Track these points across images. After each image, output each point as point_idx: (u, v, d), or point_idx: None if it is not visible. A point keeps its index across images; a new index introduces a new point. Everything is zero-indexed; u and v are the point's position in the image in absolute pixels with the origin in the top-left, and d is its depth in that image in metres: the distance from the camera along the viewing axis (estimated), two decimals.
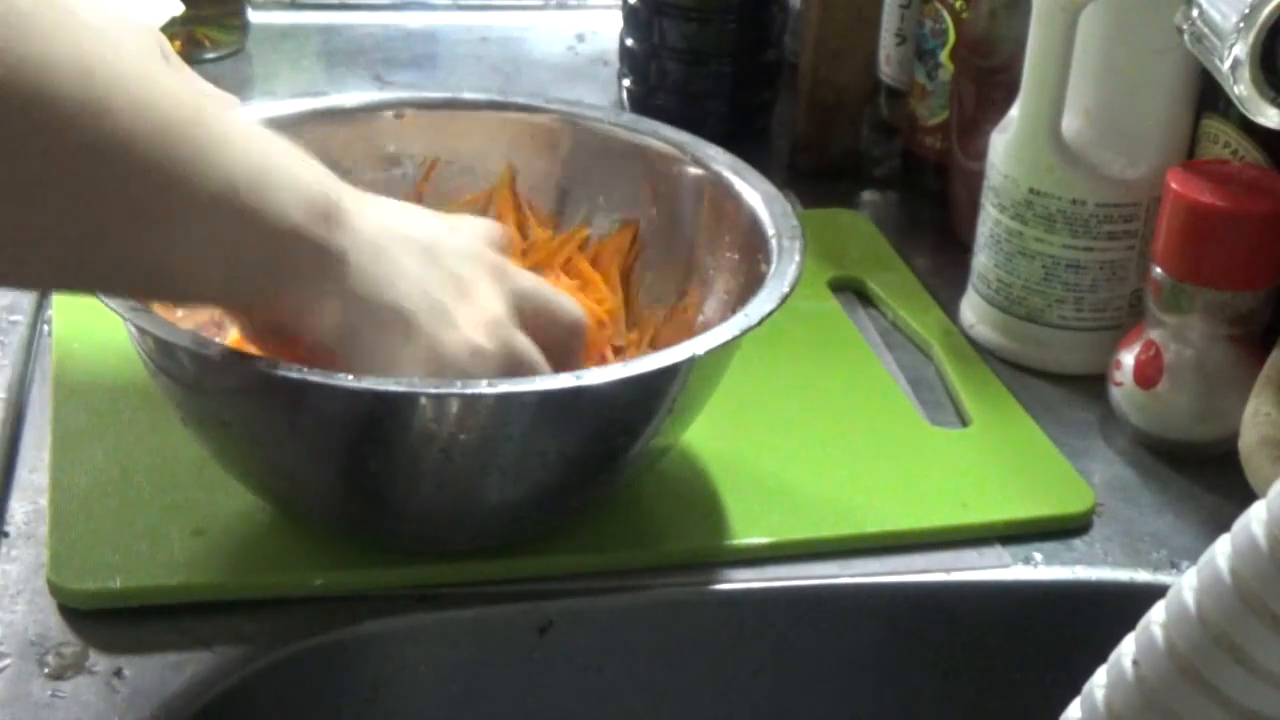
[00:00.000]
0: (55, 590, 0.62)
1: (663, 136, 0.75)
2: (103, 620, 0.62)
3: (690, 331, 0.66)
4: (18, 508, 0.67)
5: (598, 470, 0.64)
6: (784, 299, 0.63)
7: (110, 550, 0.64)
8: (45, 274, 0.53)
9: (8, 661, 0.60)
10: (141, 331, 0.60)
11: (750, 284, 0.66)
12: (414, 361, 0.58)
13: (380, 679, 0.64)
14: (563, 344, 0.64)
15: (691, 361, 0.61)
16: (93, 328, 0.76)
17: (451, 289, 0.60)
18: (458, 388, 0.58)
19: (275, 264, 0.56)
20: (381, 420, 0.59)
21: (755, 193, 0.70)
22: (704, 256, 0.72)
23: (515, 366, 0.61)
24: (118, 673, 0.60)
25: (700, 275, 0.72)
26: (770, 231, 0.68)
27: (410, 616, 0.63)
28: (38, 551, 0.64)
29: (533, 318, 0.63)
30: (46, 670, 0.60)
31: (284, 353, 0.59)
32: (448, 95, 0.78)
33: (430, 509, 0.63)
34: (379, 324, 0.58)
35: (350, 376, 0.57)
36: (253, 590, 0.63)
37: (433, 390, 0.58)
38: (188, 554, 0.64)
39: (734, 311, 0.63)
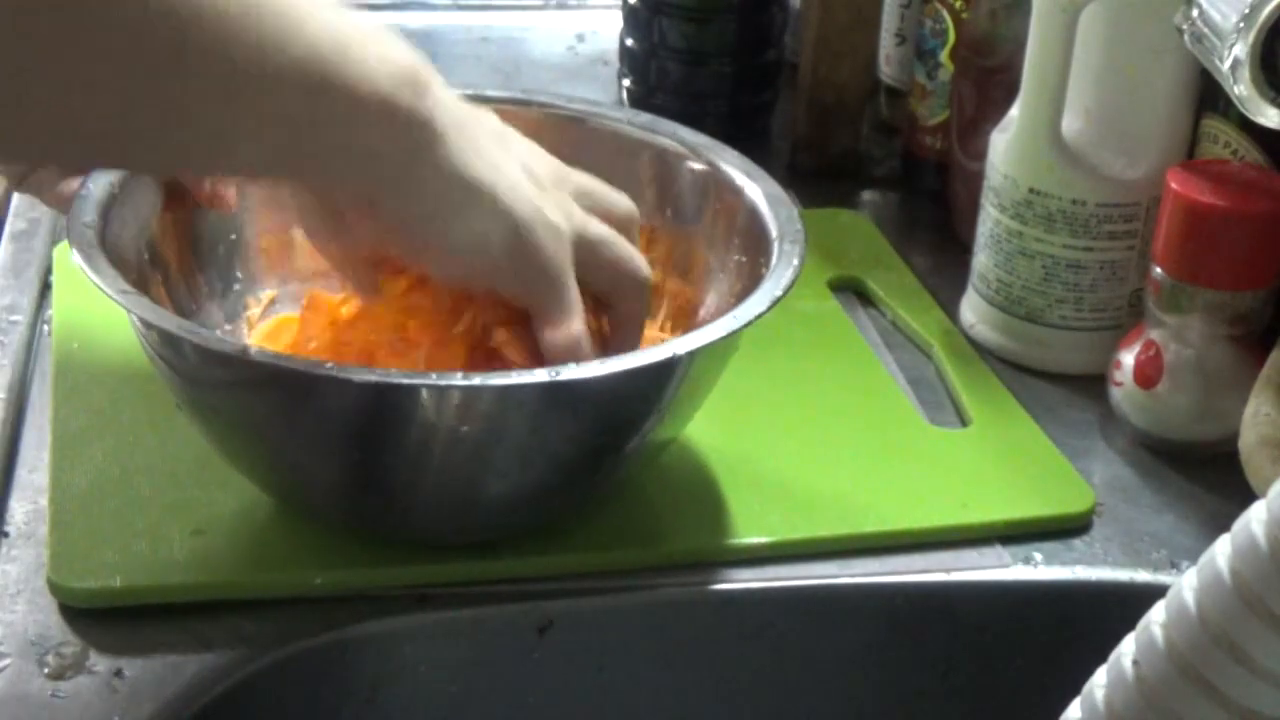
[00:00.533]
0: (55, 590, 0.62)
1: (679, 138, 0.75)
2: (103, 620, 0.62)
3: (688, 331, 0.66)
4: (18, 508, 0.67)
5: (594, 464, 0.64)
6: (775, 302, 0.63)
7: (110, 550, 0.64)
8: (136, 151, 0.54)
9: (8, 661, 0.60)
10: (146, 325, 0.60)
11: (754, 286, 0.66)
12: (498, 234, 0.59)
13: (380, 679, 0.64)
14: (622, 231, 0.65)
15: (675, 361, 0.61)
16: (93, 328, 0.76)
17: (523, 171, 0.62)
18: (458, 380, 0.58)
19: (364, 134, 0.56)
20: (381, 412, 0.59)
21: (763, 196, 0.71)
22: (711, 258, 0.73)
23: (594, 244, 0.63)
24: (118, 673, 0.60)
25: (709, 276, 0.73)
26: (774, 234, 0.68)
27: (410, 616, 0.63)
28: (38, 551, 0.64)
29: (591, 209, 0.65)
30: (46, 670, 0.60)
31: (341, 244, 0.60)
32: (470, 92, 0.78)
33: (429, 501, 0.63)
34: (465, 197, 0.59)
35: (351, 369, 0.58)
36: (253, 590, 0.63)
37: (432, 382, 0.58)
38: (188, 554, 0.64)
39: None
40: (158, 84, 0.50)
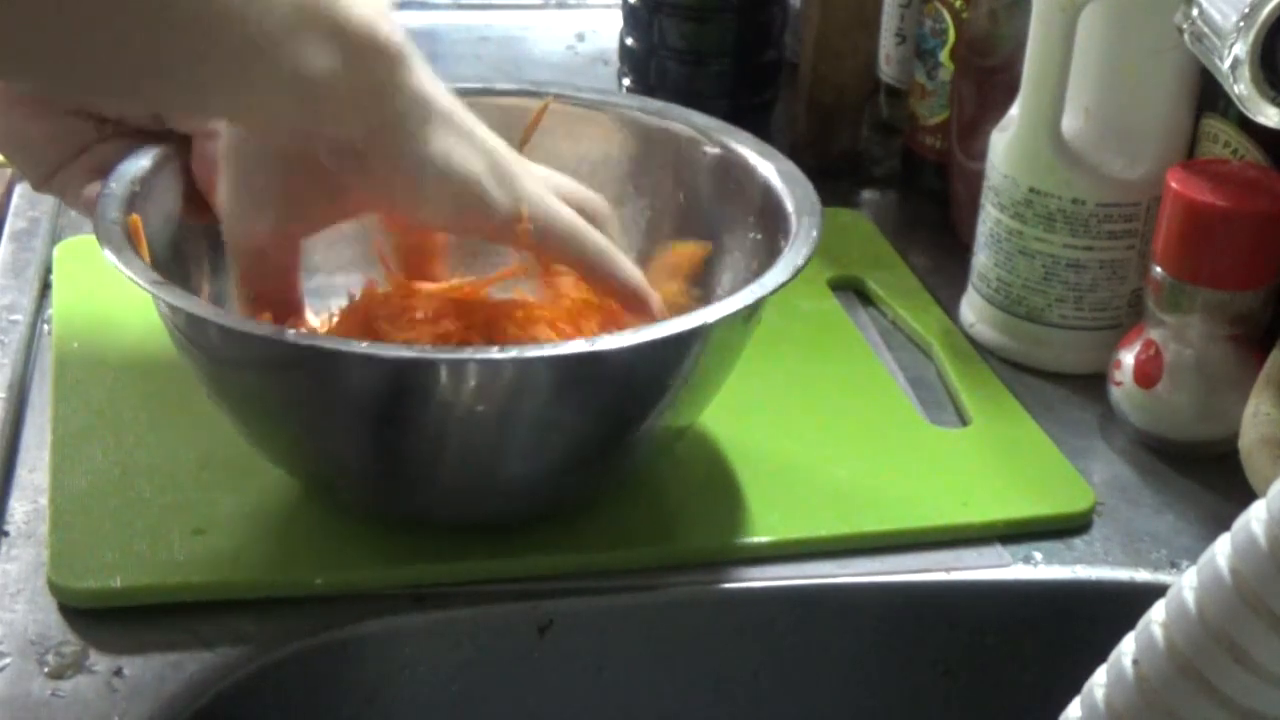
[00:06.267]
0: (55, 590, 0.62)
1: (690, 123, 0.76)
2: (103, 620, 0.62)
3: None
4: (18, 508, 0.67)
5: (613, 443, 0.64)
6: (797, 271, 0.64)
7: (110, 550, 0.64)
8: (130, 90, 0.55)
9: (8, 661, 0.60)
10: (172, 308, 0.60)
11: (770, 262, 0.66)
12: (479, 161, 0.61)
13: (380, 679, 0.64)
14: (595, 219, 0.67)
15: (704, 329, 0.61)
16: (93, 328, 0.76)
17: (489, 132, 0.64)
18: (474, 355, 0.59)
19: (349, 58, 0.57)
20: (402, 390, 0.60)
21: (777, 173, 0.71)
22: (727, 238, 0.73)
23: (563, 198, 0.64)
24: (118, 672, 0.60)
25: (726, 256, 0.73)
26: (790, 209, 0.68)
27: (410, 616, 0.63)
28: (38, 551, 0.64)
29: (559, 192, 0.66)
30: (46, 670, 0.60)
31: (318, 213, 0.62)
32: (480, 85, 0.78)
33: (449, 482, 0.64)
34: (445, 121, 0.60)
35: (370, 344, 0.58)
36: (253, 590, 0.63)
37: (451, 357, 0.59)
38: (188, 554, 0.64)
39: None
40: (139, 14, 0.50)
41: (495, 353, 0.59)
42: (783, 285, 0.63)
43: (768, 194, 0.71)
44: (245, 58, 0.54)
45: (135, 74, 0.53)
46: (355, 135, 0.59)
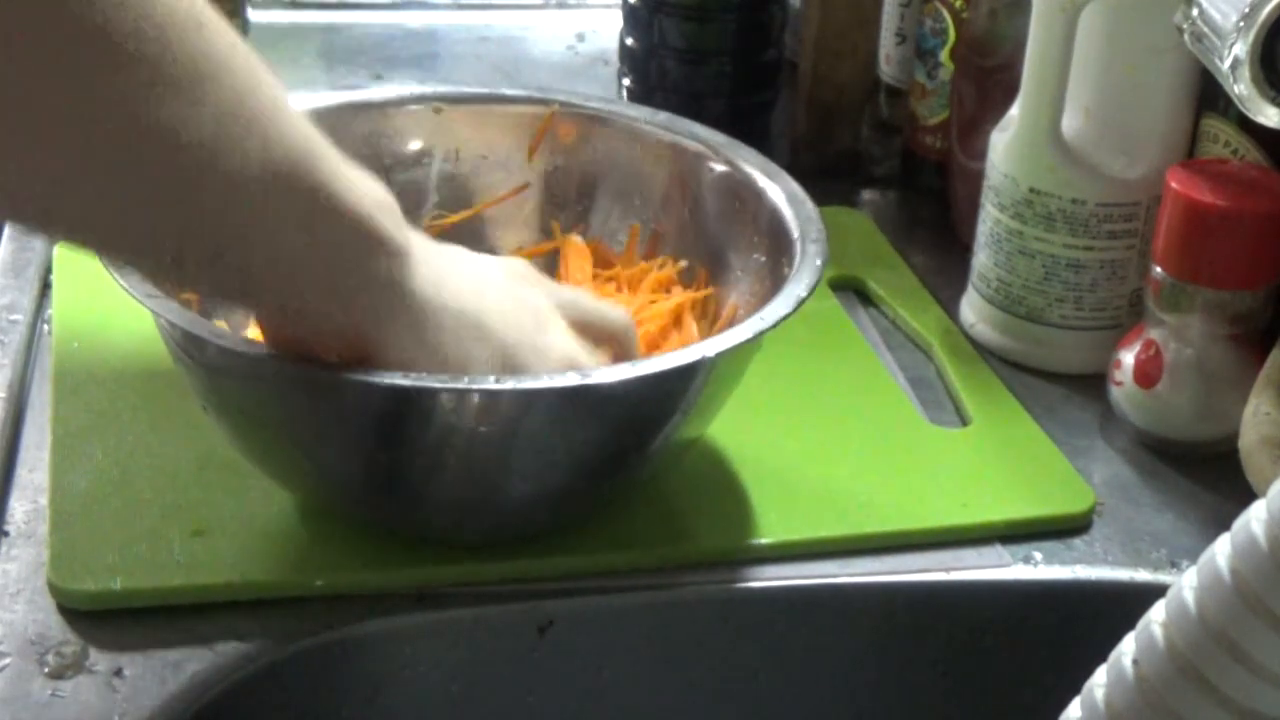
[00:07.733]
0: (55, 592, 0.62)
1: (697, 137, 0.76)
2: (102, 620, 0.62)
3: (716, 332, 0.66)
4: (18, 508, 0.67)
5: (621, 464, 0.64)
6: (800, 303, 0.64)
7: (110, 550, 0.64)
8: (129, 250, 0.53)
9: (8, 661, 0.60)
10: (171, 324, 0.60)
11: (776, 286, 0.66)
12: (483, 358, 0.59)
13: (380, 679, 0.64)
14: (616, 344, 0.65)
15: (704, 363, 0.61)
16: (93, 328, 0.76)
17: (507, 296, 0.61)
18: (474, 384, 0.58)
19: (346, 257, 0.54)
20: (401, 416, 0.59)
21: (783, 195, 0.71)
22: (731, 257, 0.73)
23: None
24: (118, 673, 0.60)
25: (729, 276, 0.73)
26: (795, 234, 0.68)
27: (410, 616, 0.63)
28: (38, 551, 0.64)
29: (581, 325, 0.64)
30: (46, 670, 0.60)
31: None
32: (487, 90, 0.78)
33: (452, 501, 0.64)
34: (455, 323, 0.58)
35: (367, 370, 0.57)
36: (252, 590, 0.63)
37: (451, 386, 0.58)
38: (188, 554, 0.64)
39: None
40: (125, 182, 0.48)
41: (493, 383, 0.58)
42: (784, 319, 0.63)
43: (773, 217, 0.70)
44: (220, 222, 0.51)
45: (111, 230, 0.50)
46: (344, 326, 0.56)
